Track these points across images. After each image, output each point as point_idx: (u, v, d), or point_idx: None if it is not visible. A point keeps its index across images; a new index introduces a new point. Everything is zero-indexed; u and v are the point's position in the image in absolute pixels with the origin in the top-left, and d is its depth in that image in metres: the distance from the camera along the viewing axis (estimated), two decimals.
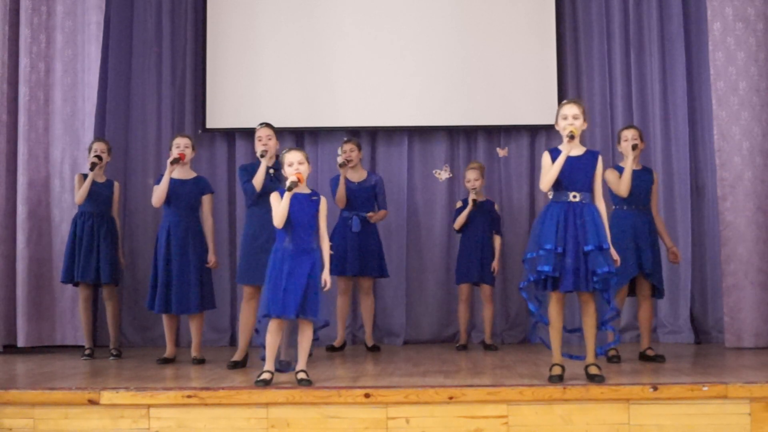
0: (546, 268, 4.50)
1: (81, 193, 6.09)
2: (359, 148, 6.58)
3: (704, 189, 6.97)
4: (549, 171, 4.58)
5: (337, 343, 6.51)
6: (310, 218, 4.64)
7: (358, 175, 6.51)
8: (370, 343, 6.52)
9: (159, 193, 5.70)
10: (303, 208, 4.63)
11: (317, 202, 4.68)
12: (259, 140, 5.62)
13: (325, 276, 4.62)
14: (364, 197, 6.45)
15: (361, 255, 6.35)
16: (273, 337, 4.61)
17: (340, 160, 6.43)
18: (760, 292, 6.02)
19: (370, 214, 6.42)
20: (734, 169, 6.10)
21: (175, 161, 5.71)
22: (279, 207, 4.58)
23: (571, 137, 4.56)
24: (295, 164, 4.64)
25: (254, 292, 5.42)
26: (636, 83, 7.12)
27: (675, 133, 7.03)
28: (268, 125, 5.70)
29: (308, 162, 4.72)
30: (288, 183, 4.58)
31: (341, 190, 6.38)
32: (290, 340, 4.83)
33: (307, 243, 4.63)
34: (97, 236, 6.13)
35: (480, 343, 6.69)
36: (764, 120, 6.14)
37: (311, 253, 4.62)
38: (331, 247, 6.22)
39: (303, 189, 4.69)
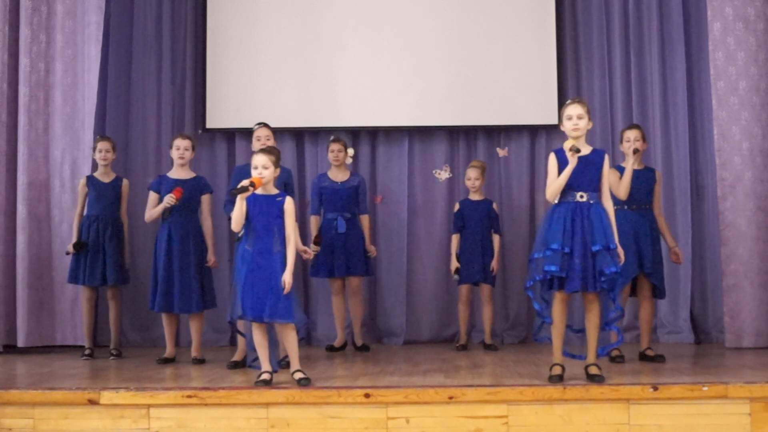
0: (553, 268, 4.50)
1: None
2: (346, 148, 6.61)
3: (704, 189, 6.97)
4: (555, 181, 4.58)
5: (337, 344, 6.51)
6: (271, 220, 4.60)
7: (342, 175, 6.53)
8: (359, 343, 6.51)
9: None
10: (264, 209, 4.59)
11: (281, 203, 4.63)
12: (258, 140, 5.63)
13: (285, 277, 4.54)
14: (347, 198, 6.46)
15: (347, 255, 6.36)
16: (258, 338, 4.61)
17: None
18: (760, 292, 6.01)
19: (371, 249, 6.48)
20: (734, 169, 6.10)
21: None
22: (236, 211, 4.55)
23: (576, 151, 4.53)
24: (259, 168, 4.61)
25: None
26: (636, 83, 7.11)
27: (675, 133, 7.03)
28: (266, 125, 5.70)
29: (275, 166, 4.65)
30: (238, 187, 4.53)
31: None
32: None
33: (268, 245, 4.58)
34: (102, 239, 6.14)
35: (480, 343, 6.68)
36: (764, 120, 6.13)
37: (273, 255, 4.58)
38: (318, 243, 6.25)
39: (268, 190, 4.66)
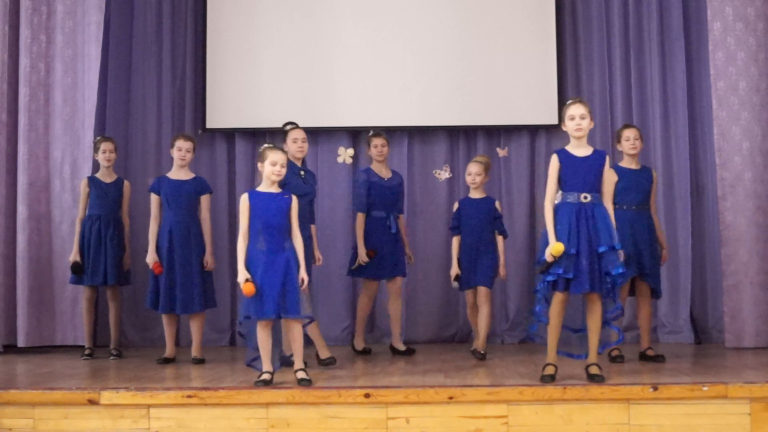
0: (559, 271, 4.49)
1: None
2: (388, 142, 6.33)
3: (704, 189, 6.97)
4: (549, 220, 4.57)
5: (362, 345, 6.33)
6: (281, 217, 4.64)
7: (386, 172, 6.28)
8: (401, 347, 6.15)
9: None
10: (274, 208, 4.64)
11: (288, 200, 4.69)
12: (294, 142, 5.45)
13: (302, 274, 4.61)
14: (395, 196, 6.22)
15: (394, 256, 6.12)
16: (263, 337, 4.61)
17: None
18: (760, 292, 6.01)
19: (410, 254, 6.31)
20: (734, 169, 6.10)
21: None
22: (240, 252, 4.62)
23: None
24: (278, 165, 4.66)
25: None
26: (636, 83, 7.11)
27: (675, 133, 7.03)
28: (298, 126, 5.58)
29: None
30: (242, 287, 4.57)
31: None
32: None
33: (281, 243, 4.63)
34: (104, 239, 6.15)
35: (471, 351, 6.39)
36: (764, 120, 6.14)
37: (285, 252, 4.62)
38: (373, 252, 6.06)
39: (274, 188, 4.71)
